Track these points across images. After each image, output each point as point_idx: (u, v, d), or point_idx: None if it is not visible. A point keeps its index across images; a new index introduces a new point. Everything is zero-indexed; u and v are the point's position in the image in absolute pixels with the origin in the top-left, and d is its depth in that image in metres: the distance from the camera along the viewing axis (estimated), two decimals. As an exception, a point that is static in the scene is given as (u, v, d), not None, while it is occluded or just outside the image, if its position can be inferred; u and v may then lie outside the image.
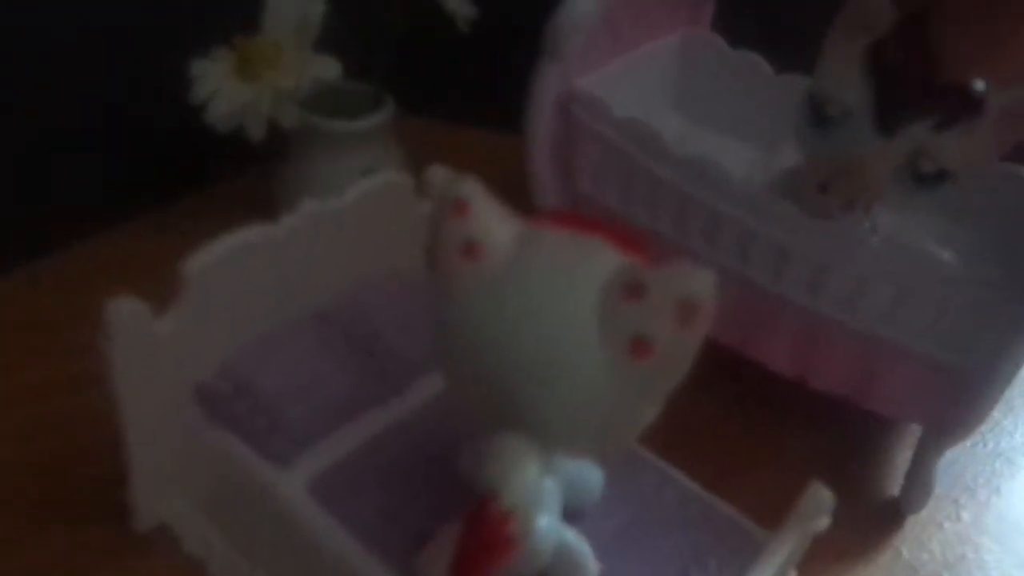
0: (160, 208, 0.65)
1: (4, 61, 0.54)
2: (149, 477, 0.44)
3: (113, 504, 0.44)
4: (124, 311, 0.39)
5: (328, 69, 0.58)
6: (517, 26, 0.56)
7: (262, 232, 0.43)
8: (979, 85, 0.45)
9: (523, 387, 0.31)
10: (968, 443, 0.53)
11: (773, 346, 0.52)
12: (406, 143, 0.64)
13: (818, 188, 0.49)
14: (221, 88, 0.56)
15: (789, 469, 0.52)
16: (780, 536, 0.38)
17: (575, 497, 0.37)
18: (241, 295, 0.42)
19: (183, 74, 0.56)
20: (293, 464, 0.40)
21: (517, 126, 0.58)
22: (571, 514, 0.36)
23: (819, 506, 0.38)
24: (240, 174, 0.67)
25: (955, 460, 0.54)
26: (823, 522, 0.39)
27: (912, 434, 0.53)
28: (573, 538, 0.36)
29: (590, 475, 0.39)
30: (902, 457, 0.54)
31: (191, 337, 0.41)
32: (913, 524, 0.51)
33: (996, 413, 0.50)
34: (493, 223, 0.32)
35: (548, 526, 0.33)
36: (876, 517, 0.51)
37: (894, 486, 0.53)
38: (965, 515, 0.52)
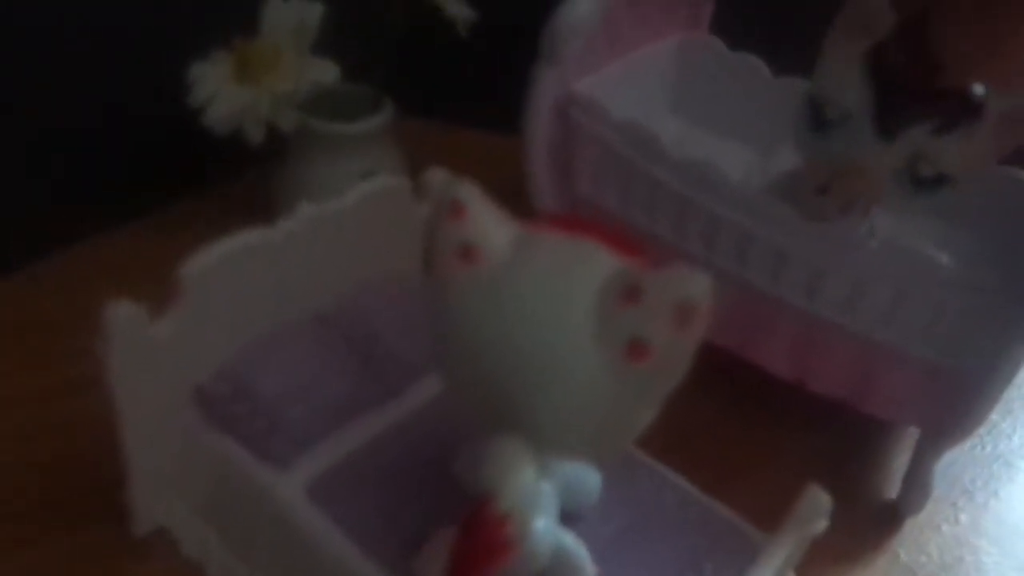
0: (159, 210, 0.65)
1: (4, 61, 0.54)
2: (147, 480, 0.43)
3: (112, 507, 0.44)
4: (121, 315, 0.39)
5: (326, 72, 0.58)
6: (516, 28, 0.56)
7: (260, 235, 0.43)
8: (979, 89, 0.45)
9: (520, 390, 0.31)
10: (966, 446, 0.53)
11: (771, 349, 0.52)
12: (405, 145, 0.64)
13: (817, 191, 0.49)
14: (220, 91, 0.56)
15: (787, 472, 0.52)
16: (778, 539, 0.38)
17: (573, 500, 0.37)
18: (240, 298, 0.42)
19: (182, 76, 0.56)
20: (292, 466, 0.40)
21: (516, 128, 0.58)
22: (569, 517, 0.36)
23: (817, 509, 0.38)
24: (239, 177, 0.67)
25: (953, 463, 0.54)
26: (821, 525, 0.39)
27: (910, 437, 0.53)
28: (570, 541, 0.35)
29: (588, 478, 0.39)
30: (900, 460, 0.54)
31: (189, 340, 0.41)
32: (911, 527, 0.51)
33: (994, 416, 0.50)
34: (490, 226, 0.32)
35: (545, 529, 0.33)
36: (874, 520, 0.51)
37: (892, 489, 0.53)
38: (963, 518, 0.52)
